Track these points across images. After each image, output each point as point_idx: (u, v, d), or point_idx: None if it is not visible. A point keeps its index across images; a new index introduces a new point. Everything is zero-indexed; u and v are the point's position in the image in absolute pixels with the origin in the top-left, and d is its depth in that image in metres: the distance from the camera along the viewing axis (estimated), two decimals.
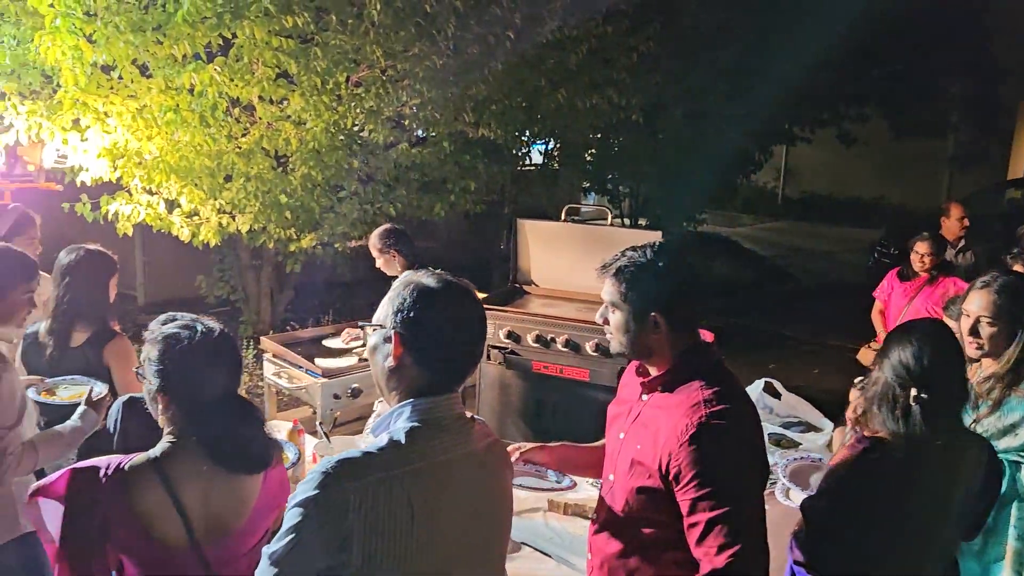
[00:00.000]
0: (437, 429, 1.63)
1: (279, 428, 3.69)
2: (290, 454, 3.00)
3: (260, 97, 5.40)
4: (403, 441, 1.59)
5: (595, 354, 5.37)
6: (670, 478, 1.83)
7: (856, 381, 2.61)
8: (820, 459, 3.25)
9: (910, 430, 2.08)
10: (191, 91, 4.99)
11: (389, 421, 1.66)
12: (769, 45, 9.08)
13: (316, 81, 5.30)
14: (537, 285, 6.25)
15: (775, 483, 3.08)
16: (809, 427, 4.04)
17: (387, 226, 4.46)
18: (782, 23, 8.99)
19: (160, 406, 2.01)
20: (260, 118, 5.62)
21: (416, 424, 1.61)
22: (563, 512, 3.07)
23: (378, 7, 5.28)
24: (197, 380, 1.97)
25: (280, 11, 4.97)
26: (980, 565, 2.73)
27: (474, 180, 7.12)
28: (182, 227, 5.63)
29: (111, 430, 2.61)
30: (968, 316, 2.74)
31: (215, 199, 5.60)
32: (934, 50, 11.59)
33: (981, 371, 2.76)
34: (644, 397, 2.04)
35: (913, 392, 2.09)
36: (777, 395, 4.40)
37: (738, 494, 1.79)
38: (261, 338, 4.86)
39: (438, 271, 1.75)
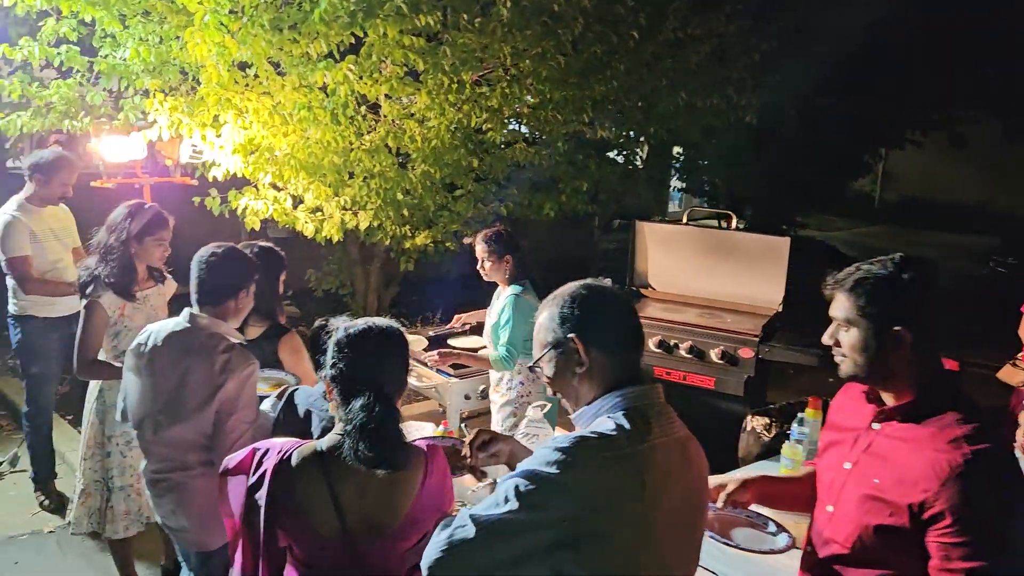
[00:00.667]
0: (652, 414, 1.72)
1: (419, 429, 3.68)
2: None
3: (387, 95, 5.42)
4: (627, 425, 1.67)
5: (720, 362, 5.22)
6: (923, 517, 1.70)
7: None
8: None
9: None
10: (323, 89, 5.04)
11: (597, 411, 1.76)
12: (880, 45, 8.74)
13: (443, 79, 5.27)
14: (654, 288, 6.13)
15: None
16: None
17: (501, 228, 4.27)
18: (895, 23, 8.62)
19: (333, 401, 2.08)
20: (385, 116, 5.64)
21: (631, 409, 1.71)
22: None
23: (507, 5, 5.22)
24: (366, 376, 2.01)
25: (412, 10, 4.96)
26: None
27: (586, 180, 7.02)
28: (306, 223, 5.69)
29: (275, 420, 2.66)
30: None
31: (339, 196, 5.63)
32: None
33: None
34: (875, 425, 1.90)
35: None
36: None
37: (1003, 545, 1.64)
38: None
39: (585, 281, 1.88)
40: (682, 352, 5.33)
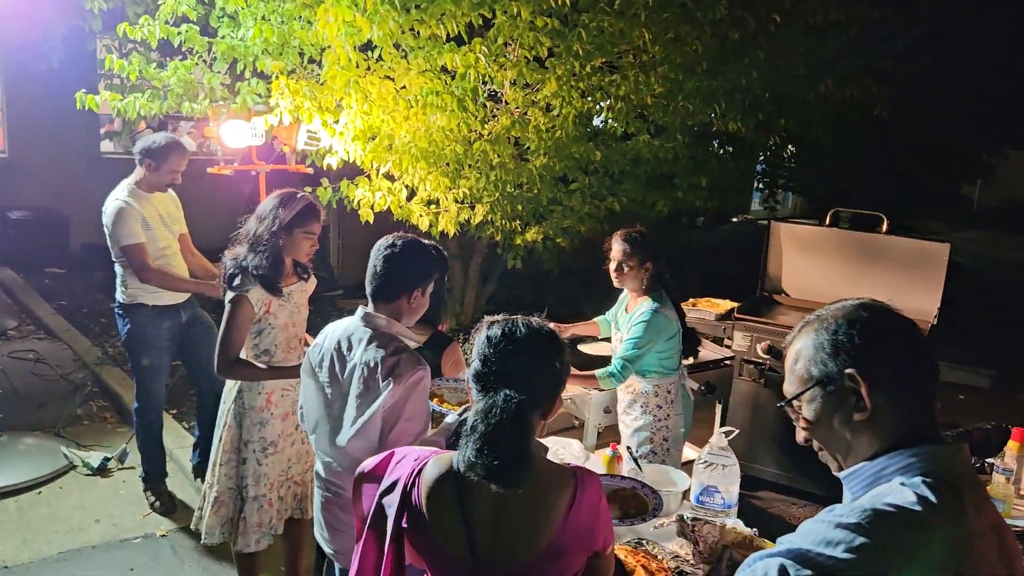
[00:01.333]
0: (964, 486, 1.32)
1: (565, 446, 3.33)
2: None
3: (511, 82, 5.08)
4: (933, 498, 1.27)
5: None
6: None
7: None
8: None
9: None
10: (447, 73, 4.73)
11: (878, 473, 1.37)
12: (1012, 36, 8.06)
13: (574, 65, 4.91)
14: (787, 294, 5.67)
15: None
16: None
17: (642, 229, 3.71)
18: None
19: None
20: (508, 104, 5.31)
21: (934, 476, 1.31)
22: None
23: None
24: (500, 375, 1.74)
25: None
26: None
27: (707, 176, 6.59)
28: (422, 216, 5.39)
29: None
30: None
31: (456, 188, 5.32)
32: None
33: None
34: None
35: None
36: None
37: None
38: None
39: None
40: None
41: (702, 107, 5.62)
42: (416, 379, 2.33)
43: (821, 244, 5.51)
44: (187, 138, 10.80)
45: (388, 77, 4.75)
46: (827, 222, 5.52)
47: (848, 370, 1.40)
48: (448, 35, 4.62)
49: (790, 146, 8.19)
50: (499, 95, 5.27)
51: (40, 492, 4.57)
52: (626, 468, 3.11)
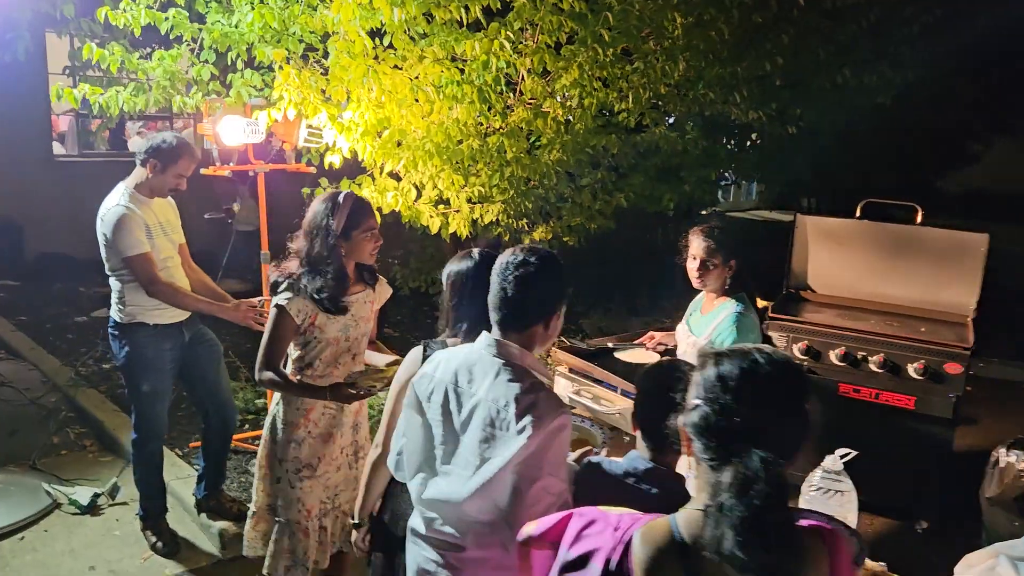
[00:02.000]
0: None
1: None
2: None
3: (529, 70, 4.71)
4: None
5: (920, 378, 4.51)
6: None
7: None
8: None
9: None
10: (462, 61, 4.34)
11: None
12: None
13: (598, 52, 4.55)
14: (814, 291, 5.41)
15: None
16: None
17: (715, 235, 3.36)
18: None
19: (695, 462, 1.47)
20: (523, 94, 4.93)
21: None
22: None
23: None
24: (749, 429, 1.36)
25: None
26: None
27: (715, 168, 6.30)
28: (432, 217, 4.99)
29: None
30: None
31: (469, 186, 4.94)
32: None
33: None
34: None
35: None
36: None
37: None
38: (555, 349, 4.17)
39: None
40: (872, 366, 4.61)
41: (722, 95, 5.32)
42: (559, 425, 1.95)
43: (850, 237, 5.25)
44: (137, 139, 10.18)
45: (396, 67, 4.35)
46: (857, 214, 5.27)
47: None
48: (463, 20, 4.25)
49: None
50: (514, 85, 4.89)
51: (23, 537, 4.07)
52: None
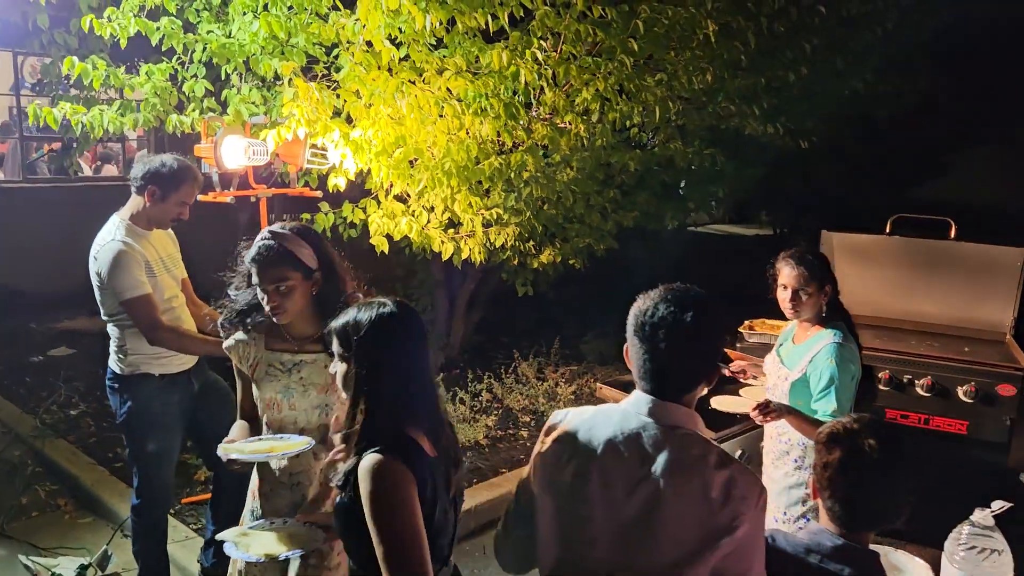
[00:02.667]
0: None
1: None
2: None
3: (551, 82, 4.38)
4: None
5: (971, 401, 4.31)
6: None
7: None
8: None
9: None
10: (484, 74, 4.00)
11: None
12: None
13: (626, 63, 4.24)
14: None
15: None
16: None
17: (806, 262, 3.01)
18: None
19: None
20: (541, 108, 4.60)
21: None
22: None
23: None
24: None
25: None
26: None
27: (722, 185, 6.07)
28: (444, 243, 4.61)
29: None
30: None
31: (488, 208, 4.58)
32: None
33: None
34: None
35: None
36: None
37: None
38: (599, 385, 3.82)
39: None
40: (919, 390, 4.39)
41: (743, 107, 5.07)
42: (764, 500, 1.63)
43: (880, 254, 5.07)
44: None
45: (411, 81, 3.97)
46: (888, 229, 5.08)
47: None
48: (483, 29, 3.90)
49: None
50: (533, 99, 4.56)
51: None
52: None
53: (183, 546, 3.96)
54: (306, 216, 4.68)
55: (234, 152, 3.75)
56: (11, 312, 7.97)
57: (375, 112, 3.79)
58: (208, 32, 3.93)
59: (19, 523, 4.36)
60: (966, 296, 4.87)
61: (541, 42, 4.12)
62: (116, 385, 3.33)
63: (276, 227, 2.47)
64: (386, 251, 4.54)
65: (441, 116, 3.77)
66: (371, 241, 4.54)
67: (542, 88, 4.42)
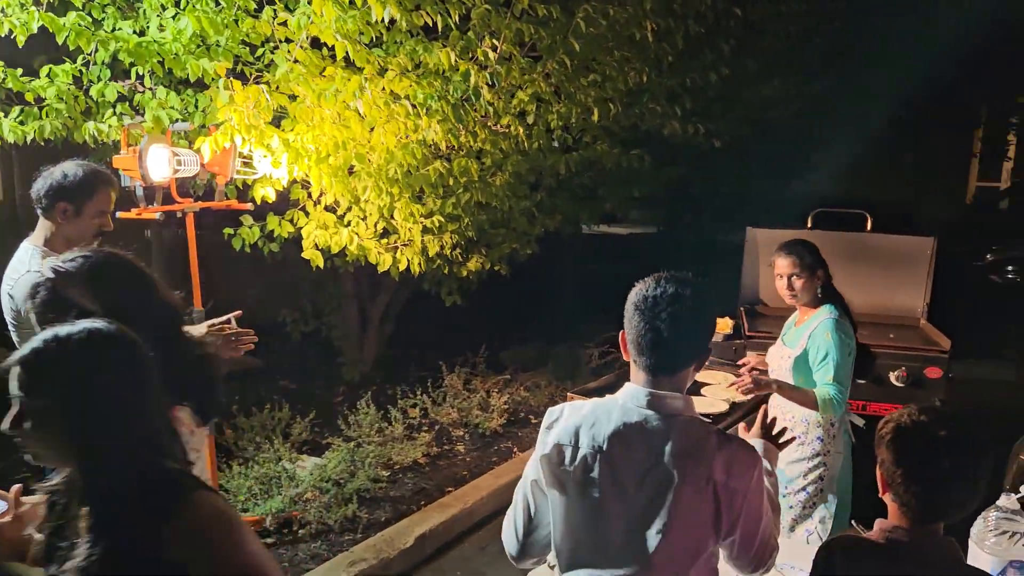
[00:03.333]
0: None
1: None
2: None
3: (490, 84, 4.23)
4: None
5: (903, 385, 4.50)
6: None
7: None
8: None
9: None
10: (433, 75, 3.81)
11: None
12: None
13: (567, 64, 4.16)
14: (767, 304, 5.32)
15: None
16: None
17: (799, 249, 3.31)
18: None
19: None
20: (479, 110, 4.43)
21: None
22: None
23: None
24: None
25: None
26: None
27: (637, 186, 6.12)
28: (381, 253, 4.36)
29: None
30: None
31: (429, 215, 4.37)
32: None
33: None
34: None
35: None
36: None
37: None
38: (569, 394, 3.68)
39: None
40: (856, 378, 4.54)
41: (668, 108, 5.10)
42: (761, 471, 1.77)
43: None
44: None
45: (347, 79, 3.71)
46: (809, 224, 5.25)
47: None
48: (425, 27, 3.71)
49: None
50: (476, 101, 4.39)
51: None
52: None
53: None
54: (228, 231, 4.31)
55: (160, 163, 3.37)
56: None
57: (318, 115, 3.52)
58: (115, 29, 3.51)
59: None
60: (883, 285, 5.10)
61: (493, 40, 3.96)
62: None
63: (64, 260, 2.01)
64: (321, 265, 4.24)
65: (393, 118, 3.54)
66: (304, 255, 4.23)
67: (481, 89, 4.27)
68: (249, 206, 3.91)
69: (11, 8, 3.22)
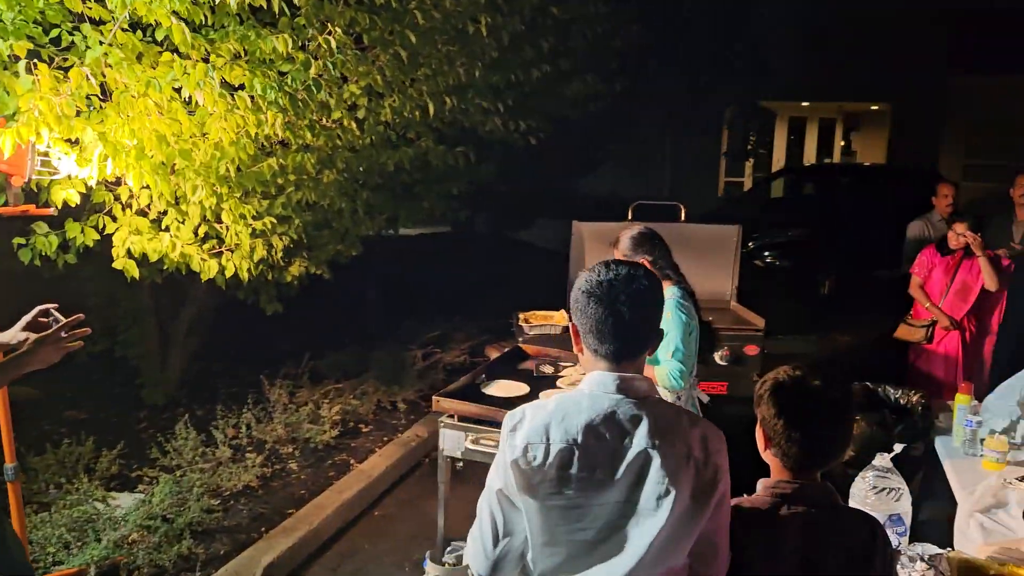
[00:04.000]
0: None
1: None
2: None
3: (321, 75, 3.98)
4: None
5: (727, 364, 4.83)
6: None
7: None
8: None
9: None
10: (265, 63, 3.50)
11: None
12: None
13: (402, 56, 4.01)
14: None
15: None
16: None
17: (642, 229, 3.47)
18: None
19: None
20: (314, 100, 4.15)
21: None
22: None
23: None
24: None
25: None
26: None
27: (455, 183, 6.08)
28: (205, 260, 3.95)
29: None
30: None
31: (261, 217, 4.03)
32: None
33: None
34: None
35: None
36: None
37: None
38: (435, 398, 3.51)
39: None
40: None
41: (492, 104, 5.10)
42: (724, 451, 1.73)
43: None
44: None
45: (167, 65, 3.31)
46: (629, 216, 5.47)
47: None
48: (256, 9, 3.43)
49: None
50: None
51: None
52: None
53: None
54: (19, 240, 3.71)
55: None
56: None
57: (141, 106, 3.10)
58: None
59: None
60: (697, 270, 5.37)
61: (329, 26, 3.71)
62: None
63: None
64: (136, 276, 3.77)
65: (233, 111, 3.20)
66: (115, 266, 3.73)
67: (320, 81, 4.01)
68: (51, 211, 3.37)
69: None
